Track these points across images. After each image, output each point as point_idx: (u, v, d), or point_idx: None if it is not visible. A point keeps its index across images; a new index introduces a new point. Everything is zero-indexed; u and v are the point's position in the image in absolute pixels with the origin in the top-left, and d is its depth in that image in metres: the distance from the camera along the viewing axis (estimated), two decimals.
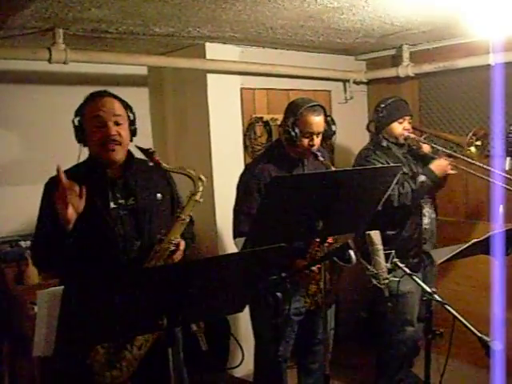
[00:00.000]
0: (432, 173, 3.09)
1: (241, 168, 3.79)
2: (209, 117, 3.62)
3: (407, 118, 3.25)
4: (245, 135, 3.86)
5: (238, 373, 3.60)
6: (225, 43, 3.63)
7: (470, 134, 3.23)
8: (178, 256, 2.16)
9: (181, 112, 3.89)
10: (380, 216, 2.44)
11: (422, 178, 3.07)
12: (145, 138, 4.00)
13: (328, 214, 2.19)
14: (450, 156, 3.19)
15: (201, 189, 2.15)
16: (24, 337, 2.50)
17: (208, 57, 3.59)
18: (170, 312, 1.59)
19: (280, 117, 3.94)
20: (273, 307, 2.01)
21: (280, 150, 2.84)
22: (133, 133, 2.22)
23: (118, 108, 2.16)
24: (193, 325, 2.17)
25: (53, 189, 2.15)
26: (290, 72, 3.95)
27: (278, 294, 1.97)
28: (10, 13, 2.55)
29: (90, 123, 2.12)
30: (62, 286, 1.39)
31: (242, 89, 3.82)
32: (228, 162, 3.70)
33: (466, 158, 3.16)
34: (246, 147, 3.87)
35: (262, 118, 3.92)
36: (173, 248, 2.13)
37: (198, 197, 2.15)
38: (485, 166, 3.10)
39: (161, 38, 3.30)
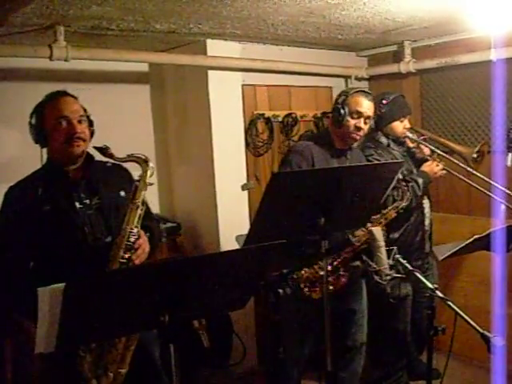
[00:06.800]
0: (427, 176, 3.08)
1: (243, 165, 3.81)
2: (210, 114, 3.62)
3: (407, 116, 3.27)
4: (246, 132, 3.86)
5: (240, 369, 3.61)
6: (226, 40, 3.62)
7: (476, 150, 3.17)
8: (142, 246, 2.12)
9: (182, 109, 3.88)
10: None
11: (420, 180, 3.05)
12: (146, 135, 4.02)
13: (330, 211, 2.19)
14: (442, 157, 3.18)
15: (148, 172, 2.14)
16: (26, 334, 2.50)
17: (209, 53, 3.59)
18: (171, 308, 1.59)
19: (281, 113, 3.98)
20: (284, 303, 1.99)
21: (327, 138, 2.84)
22: (92, 134, 2.25)
23: (80, 108, 2.20)
24: (195, 322, 2.18)
25: (15, 199, 2.14)
26: (291, 68, 3.94)
27: (280, 290, 1.97)
28: (11, 10, 2.55)
29: (54, 123, 2.13)
30: (64, 283, 1.39)
31: (243, 85, 3.81)
32: (230, 159, 3.70)
33: (462, 164, 3.16)
34: (247, 144, 3.86)
35: (263, 114, 3.91)
36: (133, 238, 2.09)
37: (146, 180, 2.14)
38: (482, 177, 3.11)
39: (162, 34, 3.29)
